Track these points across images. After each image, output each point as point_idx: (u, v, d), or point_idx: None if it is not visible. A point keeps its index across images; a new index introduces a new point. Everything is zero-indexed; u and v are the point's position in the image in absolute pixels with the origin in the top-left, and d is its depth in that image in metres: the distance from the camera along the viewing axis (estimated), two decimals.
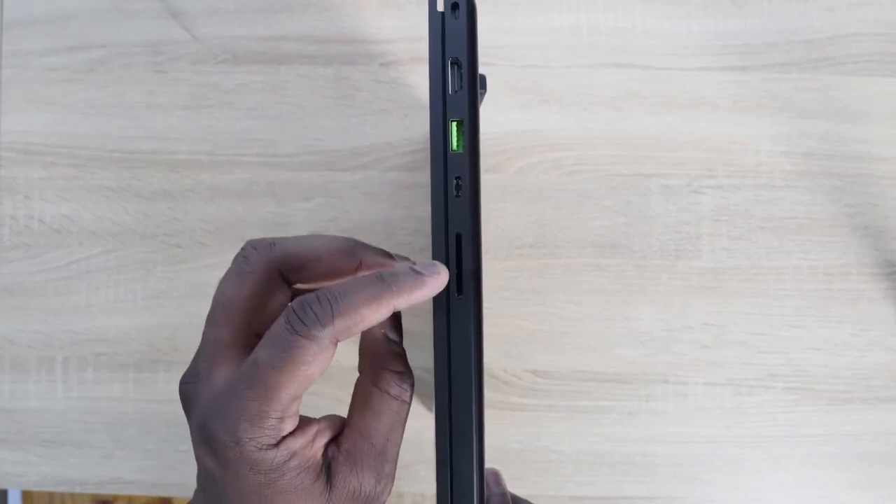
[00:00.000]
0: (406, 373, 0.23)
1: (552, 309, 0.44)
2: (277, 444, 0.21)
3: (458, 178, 0.21)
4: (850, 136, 0.45)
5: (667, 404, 0.44)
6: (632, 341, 0.44)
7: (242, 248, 0.24)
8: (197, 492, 0.23)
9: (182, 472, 0.45)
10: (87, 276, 0.45)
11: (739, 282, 0.44)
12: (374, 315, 0.20)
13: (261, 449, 0.20)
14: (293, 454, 0.21)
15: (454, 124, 0.22)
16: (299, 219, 0.45)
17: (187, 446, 0.45)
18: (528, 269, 0.44)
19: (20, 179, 0.46)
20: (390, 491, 0.22)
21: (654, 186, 0.45)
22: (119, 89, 0.46)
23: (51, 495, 0.93)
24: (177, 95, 0.46)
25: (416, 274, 0.21)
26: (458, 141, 0.22)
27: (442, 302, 0.22)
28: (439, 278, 0.21)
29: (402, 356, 0.23)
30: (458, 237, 0.21)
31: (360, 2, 0.46)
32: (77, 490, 0.45)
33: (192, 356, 0.23)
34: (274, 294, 0.23)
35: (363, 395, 0.23)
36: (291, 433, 0.21)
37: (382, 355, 0.23)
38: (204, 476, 0.22)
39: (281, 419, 0.20)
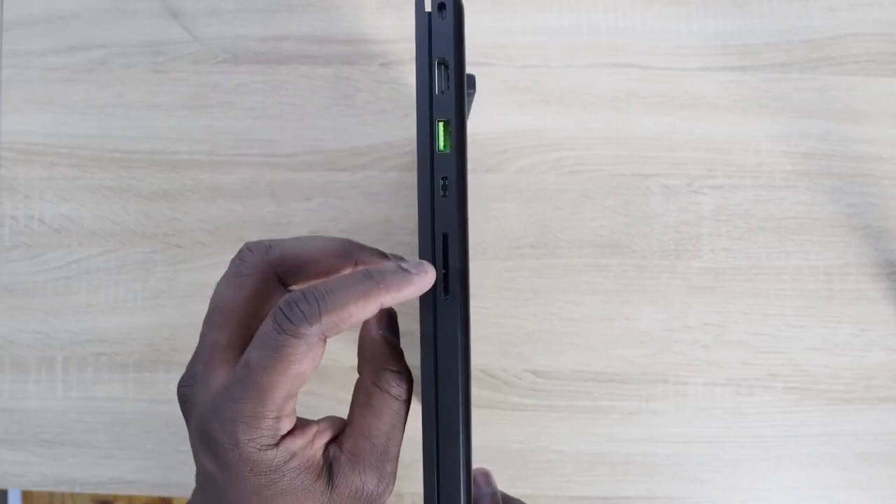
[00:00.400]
0: (404, 372, 0.23)
1: (552, 309, 0.44)
2: (277, 445, 0.21)
3: (444, 178, 0.22)
4: (850, 136, 0.45)
5: (667, 404, 0.44)
6: (632, 341, 0.44)
7: (239, 251, 0.24)
8: (196, 492, 0.24)
9: (182, 472, 0.45)
10: (87, 276, 0.46)
11: (739, 282, 0.44)
12: (362, 311, 0.20)
13: (260, 450, 0.20)
14: (293, 455, 0.21)
15: (441, 124, 0.22)
16: (299, 219, 0.45)
17: (187, 446, 0.45)
18: (528, 269, 0.44)
19: (20, 179, 0.46)
20: (391, 491, 0.22)
21: (654, 186, 0.45)
22: (119, 89, 0.46)
23: (51, 495, 0.93)
24: (177, 95, 0.46)
25: (404, 272, 0.21)
26: (444, 141, 0.22)
27: (428, 302, 0.22)
28: (426, 276, 0.21)
29: (400, 356, 0.23)
30: (445, 237, 0.22)
31: (360, 2, 0.46)
32: (77, 490, 0.45)
33: (191, 356, 0.23)
34: (271, 296, 0.24)
35: (364, 395, 0.23)
36: (291, 434, 0.21)
37: (381, 356, 0.23)
38: (203, 477, 0.22)
39: (277, 419, 0.21)
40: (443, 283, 0.22)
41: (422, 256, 0.22)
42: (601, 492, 0.44)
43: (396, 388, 0.22)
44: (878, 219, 0.45)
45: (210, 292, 0.45)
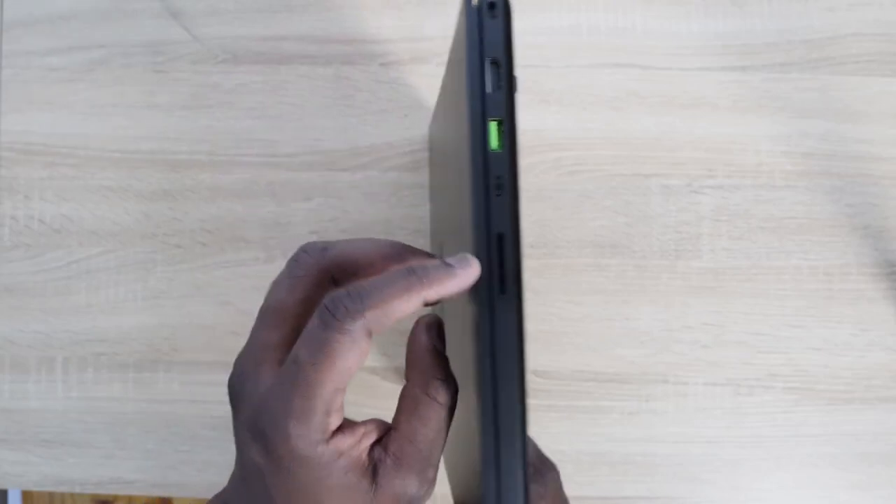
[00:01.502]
0: (451, 381, 0.23)
1: (552, 309, 0.44)
2: (327, 442, 0.21)
3: (498, 177, 0.22)
4: (850, 136, 0.45)
5: (667, 404, 0.44)
6: (632, 341, 0.44)
7: (295, 253, 0.24)
8: (235, 480, 0.24)
9: (182, 472, 0.45)
10: (87, 276, 0.45)
11: (739, 282, 0.44)
12: (405, 306, 0.21)
13: (310, 445, 0.21)
14: (342, 453, 0.21)
15: (494, 124, 0.22)
16: (299, 219, 0.45)
17: (187, 446, 0.45)
18: (528, 269, 0.44)
19: (20, 179, 0.46)
20: (431, 494, 0.23)
21: (654, 186, 0.45)
22: (119, 89, 0.46)
23: (51, 495, 0.94)
24: (177, 95, 0.46)
25: (447, 266, 0.21)
26: (497, 140, 0.22)
27: (484, 301, 0.22)
28: (471, 270, 0.21)
29: (446, 364, 0.24)
30: (500, 236, 0.22)
31: (360, 2, 0.46)
32: (77, 490, 0.45)
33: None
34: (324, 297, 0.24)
35: (411, 401, 0.23)
36: (340, 432, 0.22)
37: (430, 364, 0.23)
38: (249, 471, 0.22)
39: (327, 414, 0.21)
40: (499, 282, 0.22)
41: (476, 256, 0.22)
42: (601, 492, 0.44)
43: (443, 396, 0.23)
44: (878, 219, 0.45)
45: (210, 292, 0.45)
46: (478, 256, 0.22)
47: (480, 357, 0.21)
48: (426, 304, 0.21)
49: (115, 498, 0.90)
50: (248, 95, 0.46)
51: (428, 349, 0.23)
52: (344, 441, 0.22)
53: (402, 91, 0.46)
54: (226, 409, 0.44)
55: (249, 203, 0.45)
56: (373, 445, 0.23)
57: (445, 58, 0.46)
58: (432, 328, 0.23)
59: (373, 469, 0.22)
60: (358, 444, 0.22)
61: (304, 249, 0.24)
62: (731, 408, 0.44)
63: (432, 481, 0.23)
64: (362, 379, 0.44)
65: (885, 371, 0.44)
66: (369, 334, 0.21)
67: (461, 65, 0.22)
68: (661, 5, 0.45)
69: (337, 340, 0.20)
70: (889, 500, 0.44)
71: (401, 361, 0.45)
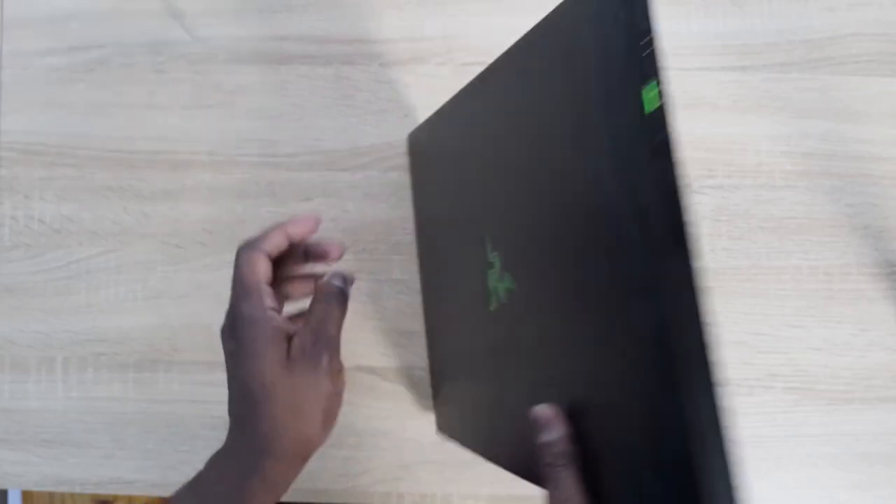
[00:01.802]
0: (340, 295, 0.35)
1: None
2: (265, 311, 0.34)
3: (660, 137, 0.22)
4: (850, 136, 0.45)
5: None
6: None
7: (245, 243, 0.36)
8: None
9: (182, 472, 0.45)
10: (87, 276, 0.45)
11: (739, 282, 0.44)
12: (277, 237, 0.35)
13: (254, 311, 0.34)
14: (273, 319, 0.34)
15: (650, 85, 0.22)
16: None
17: (187, 446, 0.45)
18: None
19: (20, 179, 0.46)
20: (331, 361, 0.34)
21: None
22: (119, 89, 0.46)
23: (51, 495, 0.93)
24: (177, 95, 0.46)
25: (301, 218, 0.37)
26: (655, 101, 0.22)
27: (659, 253, 0.23)
28: (311, 218, 0.37)
29: (342, 291, 0.36)
30: (672, 190, 0.23)
31: (359, 2, 0.46)
32: (77, 490, 0.45)
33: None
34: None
35: (314, 305, 0.35)
36: (276, 312, 0.34)
37: (327, 290, 0.35)
38: (228, 360, 0.34)
39: (261, 297, 0.34)
40: (673, 234, 0.23)
41: (653, 217, 0.24)
42: None
43: (329, 297, 0.35)
44: (878, 219, 0.45)
45: (210, 292, 0.45)
46: (647, 214, 0.23)
47: (658, 306, 0.22)
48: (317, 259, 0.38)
49: (115, 498, 0.90)
50: (248, 95, 0.46)
51: (328, 283, 0.36)
52: (277, 316, 0.34)
53: (402, 91, 0.46)
54: (226, 409, 0.44)
55: (249, 203, 0.45)
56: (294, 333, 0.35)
57: (445, 57, 0.46)
58: (336, 276, 0.36)
59: (290, 341, 0.34)
60: (285, 322, 0.34)
61: (249, 241, 0.36)
62: (731, 408, 0.44)
63: (325, 345, 0.34)
64: (362, 379, 0.44)
65: (885, 371, 0.44)
66: (264, 252, 0.35)
67: (598, 37, 0.24)
68: (661, 5, 0.45)
69: (244, 255, 0.35)
70: (889, 500, 0.44)
71: (400, 362, 0.45)
